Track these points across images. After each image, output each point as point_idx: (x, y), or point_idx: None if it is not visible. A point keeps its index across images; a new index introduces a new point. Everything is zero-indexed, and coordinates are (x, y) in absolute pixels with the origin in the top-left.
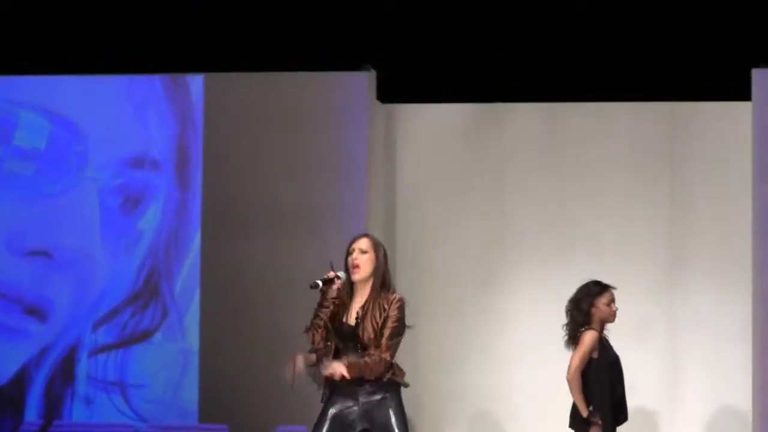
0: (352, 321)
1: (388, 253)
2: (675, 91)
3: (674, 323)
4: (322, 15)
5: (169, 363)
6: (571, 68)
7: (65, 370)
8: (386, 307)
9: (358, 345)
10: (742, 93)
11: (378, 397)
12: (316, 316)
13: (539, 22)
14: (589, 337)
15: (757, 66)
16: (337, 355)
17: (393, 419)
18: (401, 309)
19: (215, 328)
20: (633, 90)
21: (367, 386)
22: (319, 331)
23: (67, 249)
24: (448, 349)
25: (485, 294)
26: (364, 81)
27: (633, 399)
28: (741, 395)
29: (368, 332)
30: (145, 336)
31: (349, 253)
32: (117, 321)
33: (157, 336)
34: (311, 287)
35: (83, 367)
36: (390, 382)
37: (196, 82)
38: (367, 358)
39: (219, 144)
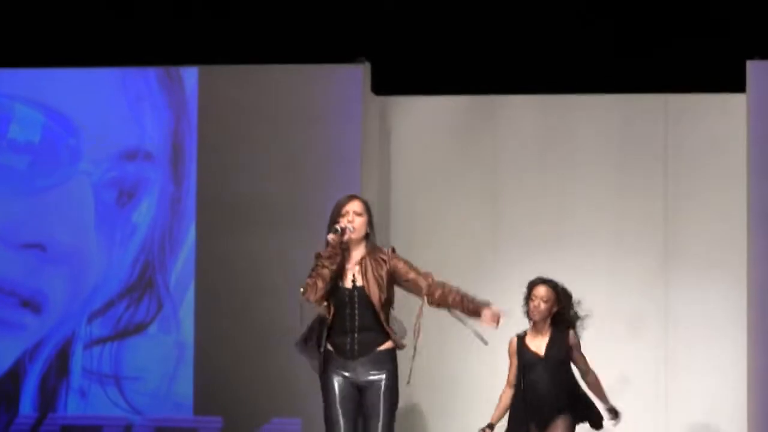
0: (348, 283)
1: (382, 245)
2: (669, 83)
3: (668, 317)
4: (316, 7)
5: (164, 356)
6: (564, 60)
7: (60, 363)
8: (384, 259)
9: (361, 305)
10: (737, 85)
11: (373, 375)
12: (320, 267)
13: (532, 13)
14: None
15: (751, 58)
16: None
17: (382, 403)
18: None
19: (210, 320)
20: (627, 82)
21: (362, 360)
22: (323, 285)
23: (61, 242)
24: (442, 342)
25: (478, 287)
26: (359, 73)
27: (626, 392)
28: (735, 389)
29: (374, 289)
30: (139, 329)
31: (341, 214)
32: (112, 314)
33: (152, 329)
34: (333, 232)
35: (78, 359)
36: (386, 353)
37: (190, 74)
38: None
39: (213, 136)
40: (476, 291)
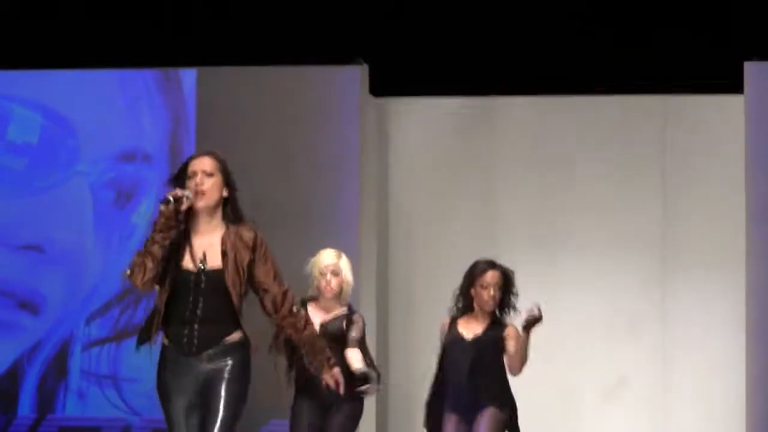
0: (193, 265)
1: (381, 249)
2: (667, 84)
3: (666, 318)
4: (314, 8)
5: None
6: (562, 61)
7: (58, 364)
8: (249, 247)
9: (209, 291)
10: (735, 86)
11: (216, 365)
12: (149, 243)
13: (531, 15)
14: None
15: (749, 59)
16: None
17: (223, 396)
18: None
19: None
20: (625, 83)
21: (204, 355)
22: (154, 265)
23: (59, 243)
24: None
25: None
26: (357, 74)
27: (626, 393)
28: (734, 389)
29: (233, 277)
30: (138, 330)
31: (188, 176)
32: (110, 315)
33: None
34: (164, 202)
35: (76, 361)
36: (234, 343)
37: (188, 75)
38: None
39: (211, 138)
40: None
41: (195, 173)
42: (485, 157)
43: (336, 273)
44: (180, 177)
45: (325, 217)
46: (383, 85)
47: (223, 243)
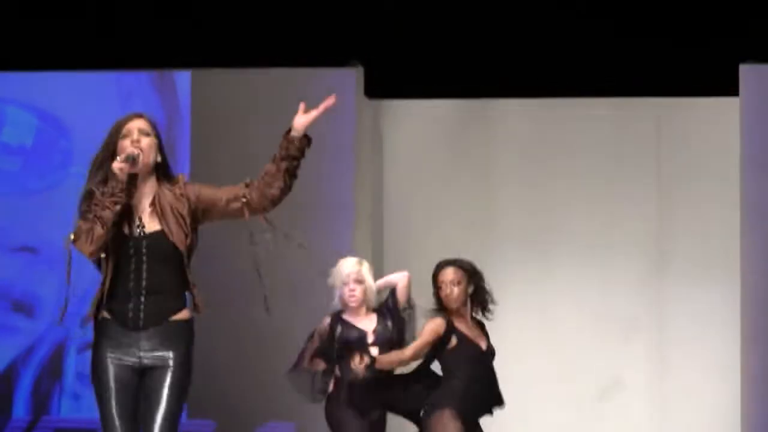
0: (134, 230)
1: (376, 251)
2: (662, 86)
3: (662, 318)
4: (309, 10)
5: None
6: (557, 64)
7: (53, 366)
8: (181, 193)
9: (152, 258)
10: (730, 89)
11: (159, 353)
12: (99, 207)
13: (526, 18)
14: (428, 326)
15: (744, 62)
16: (117, 272)
17: (166, 388)
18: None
19: (203, 323)
20: (620, 85)
21: (149, 332)
22: (104, 232)
23: (54, 245)
24: None
25: None
26: (352, 77)
27: (621, 395)
28: (729, 390)
29: (178, 234)
30: None
31: (122, 135)
32: None
33: None
34: (125, 160)
35: (71, 363)
36: (181, 326)
37: (182, 77)
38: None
39: (206, 140)
40: None
41: (130, 131)
42: (479, 159)
43: (359, 281)
44: (111, 141)
45: (320, 219)
46: (378, 87)
47: (157, 203)
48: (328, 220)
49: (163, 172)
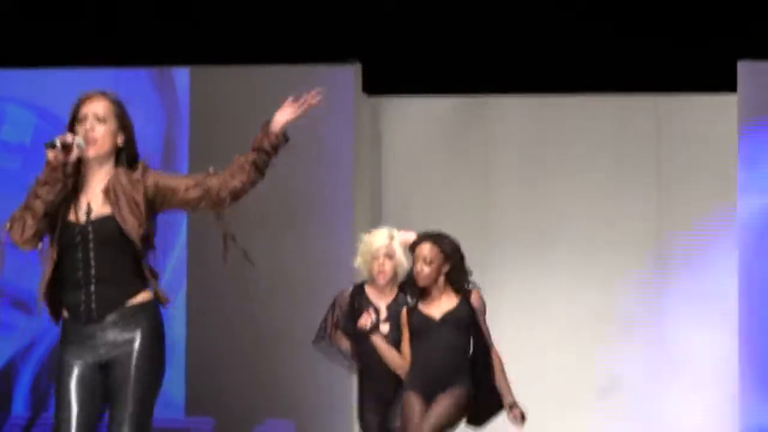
0: (81, 217)
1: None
2: (660, 83)
3: (660, 316)
4: (307, 7)
5: None
6: (556, 60)
7: (52, 364)
8: (138, 178)
9: (99, 245)
10: (728, 85)
11: (122, 338)
12: (31, 197)
13: (524, 14)
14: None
15: (742, 58)
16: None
17: (132, 381)
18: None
19: (202, 321)
20: (619, 82)
21: (106, 322)
22: (34, 221)
23: None
24: None
25: None
26: (350, 73)
27: (621, 392)
28: (728, 391)
29: (130, 220)
30: None
31: (77, 119)
32: None
33: None
34: (50, 147)
35: None
36: (141, 307)
37: (181, 75)
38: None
39: (205, 137)
40: None
41: (86, 117)
42: (478, 155)
43: (390, 255)
44: (72, 120)
45: (319, 216)
46: (377, 84)
47: (111, 188)
48: (327, 219)
49: (127, 156)
